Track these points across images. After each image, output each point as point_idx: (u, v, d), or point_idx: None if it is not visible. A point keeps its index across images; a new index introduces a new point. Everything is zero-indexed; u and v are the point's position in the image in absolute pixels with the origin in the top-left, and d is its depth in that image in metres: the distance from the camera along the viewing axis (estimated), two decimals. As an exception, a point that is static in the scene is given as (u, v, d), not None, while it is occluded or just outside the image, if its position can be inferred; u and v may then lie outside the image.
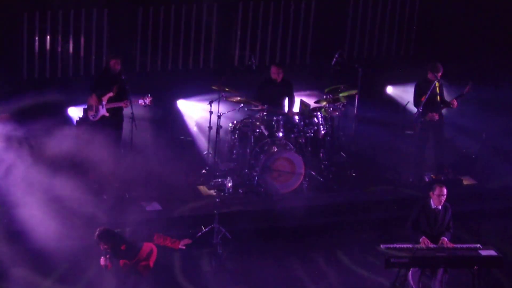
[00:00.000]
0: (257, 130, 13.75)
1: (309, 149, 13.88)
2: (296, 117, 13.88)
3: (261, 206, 13.30)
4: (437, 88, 13.80)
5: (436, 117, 13.81)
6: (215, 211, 12.37)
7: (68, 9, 14.90)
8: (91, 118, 13.53)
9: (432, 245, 11.16)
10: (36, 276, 11.57)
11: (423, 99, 13.64)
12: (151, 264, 10.79)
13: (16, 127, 13.28)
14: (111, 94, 13.40)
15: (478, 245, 11.18)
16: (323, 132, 13.89)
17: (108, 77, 13.54)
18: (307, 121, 13.84)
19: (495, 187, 14.10)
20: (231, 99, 13.98)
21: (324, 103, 14.05)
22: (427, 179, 13.88)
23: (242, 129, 13.84)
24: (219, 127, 13.88)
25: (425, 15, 16.67)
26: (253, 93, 14.21)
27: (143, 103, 13.49)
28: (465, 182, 14.16)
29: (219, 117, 13.82)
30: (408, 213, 11.64)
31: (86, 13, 15.01)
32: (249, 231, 12.74)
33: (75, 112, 14.47)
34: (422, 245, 11.13)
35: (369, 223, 13.21)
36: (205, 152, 14.49)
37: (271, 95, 14.04)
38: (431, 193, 11.40)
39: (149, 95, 13.49)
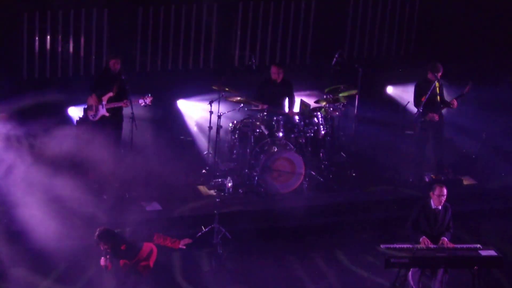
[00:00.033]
0: (257, 130, 13.75)
1: (309, 149, 13.88)
2: (296, 117, 13.88)
3: (261, 206, 13.30)
4: (437, 88, 13.80)
5: (436, 117, 13.81)
6: (215, 211, 12.37)
7: (68, 9, 14.90)
8: (91, 118, 13.53)
9: (432, 245, 11.15)
10: (36, 276, 11.56)
11: (423, 99, 13.63)
12: (151, 264, 10.79)
13: (16, 126, 13.28)
14: (111, 94, 13.41)
15: (478, 245, 11.18)
16: (323, 132, 13.89)
17: (108, 77, 13.54)
18: (307, 121, 13.84)
19: (495, 187, 14.10)
20: (231, 99, 13.98)
21: (324, 103, 14.05)
22: (427, 179, 13.88)
23: (242, 129, 13.84)
24: (219, 127, 13.88)
25: (425, 15, 16.67)
26: (253, 93, 14.21)
27: (143, 103, 13.49)
28: (465, 182, 14.16)
29: (219, 117, 13.82)
30: (408, 213, 11.64)
31: (86, 13, 15.01)
32: (249, 231, 12.74)
33: (75, 112, 14.46)
34: (422, 245, 11.12)
35: (369, 223, 13.21)
36: (205, 152, 14.49)
37: (271, 95, 14.04)
38: (431, 193, 11.40)
39: (149, 95, 13.49)
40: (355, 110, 14.46)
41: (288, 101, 14.28)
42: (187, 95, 15.25)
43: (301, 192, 13.60)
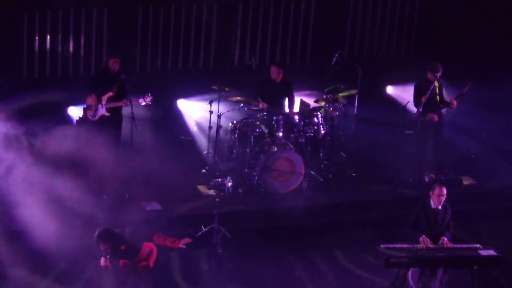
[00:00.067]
0: (257, 130, 13.75)
1: (309, 149, 13.88)
2: (296, 117, 13.88)
3: (261, 206, 13.30)
4: (437, 88, 13.80)
5: (436, 117, 13.80)
6: (215, 211, 12.37)
7: (68, 9, 14.91)
8: (90, 118, 13.53)
9: (432, 245, 11.15)
10: (36, 276, 11.55)
11: (423, 99, 13.63)
12: (151, 264, 10.79)
13: (16, 126, 13.27)
14: (110, 93, 13.40)
15: (478, 245, 11.18)
16: (323, 132, 13.89)
17: (108, 76, 13.53)
18: (307, 121, 13.83)
19: (495, 187, 14.09)
20: (231, 99, 13.98)
21: (323, 102, 14.05)
22: (427, 179, 13.88)
23: (242, 129, 13.84)
24: (219, 126, 13.89)
25: (425, 15, 16.67)
26: (253, 92, 14.20)
27: (143, 102, 13.48)
28: (465, 182, 14.16)
29: (219, 116, 13.83)
30: (408, 213, 11.64)
31: (86, 12, 15.01)
32: (249, 231, 12.74)
33: (75, 112, 14.46)
34: (422, 245, 11.12)
35: (369, 223, 13.20)
36: (205, 152, 14.49)
37: (271, 95, 14.04)
38: (431, 193, 11.40)
39: (149, 94, 13.48)
40: (355, 110, 14.45)
41: (288, 101, 14.28)
42: (187, 94, 15.25)
43: (301, 192, 13.60)
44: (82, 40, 15.11)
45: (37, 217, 12.15)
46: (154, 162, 13.84)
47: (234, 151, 13.98)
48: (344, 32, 16.43)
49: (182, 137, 15.16)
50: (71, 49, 15.09)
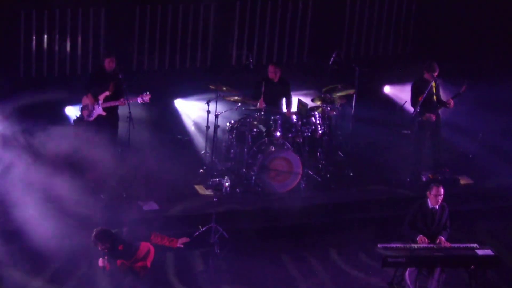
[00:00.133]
0: (255, 130, 13.76)
1: (307, 148, 13.88)
2: (294, 117, 13.88)
3: (259, 206, 13.29)
4: (434, 88, 13.81)
5: (433, 117, 13.82)
6: (212, 211, 12.36)
7: (65, 8, 14.88)
8: (85, 117, 13.51)
9: (429, 245, 11.16)
10: (33, 275, 11.55)
11: (421, 99, 13.63)
12: (149, 264, 10.78)
13: (13, 125, 13.26)
14: (107, 93, 13.39)
15: (475, 245, 11.19)
16: (320, 131, 13.89)
17: (104, 76, 13.51)
18: (304, 120, 13.83)
19: (492, 187, 14.10)
20: (229, 98, 13.98)
21: (319, 102, 14.06)
22: (424, 179, 13.88)
23: (239, 129, 13.84)
24: (216, 126, 13.88)
25: (422, 14, 16.67)
26: (250, 92, 14.21)
27: (141, 101, 13.45)
28: (462, 182, 14.17)
29: (216, 116, 13.82)
30: (405, 213, 11.65)
31: (83, 12, 15.00)
32: (247, 230, 12.74)
33: (72, 111, 14.45)
34: (419, 244, 11.13)
35: (367, 223, 13.21)
36: (202, 152, 14.50)
37: (269, 95, 14.03)
38: (428, 192, 11.41)
39: (147, 93, 13.44)
40: (353, 110, 14.46)
41: (286, 100, 14.28)
42: (184, 94, 15.25)
43: (299, 191, 13.60)
44: (80, 39, 15.09)
45: (35, 217, 12.14)
46: (152, 161, 13.84)
47: (232, 151, 13.98)
48: (341, 32, 16.44)
49: (179, 136, 15.16)
50: (68, 48, 15.08)
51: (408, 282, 11.26)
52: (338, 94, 14.26)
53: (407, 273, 11.26)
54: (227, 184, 13.43)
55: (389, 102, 15.84)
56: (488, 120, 15.32)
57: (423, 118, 13.75)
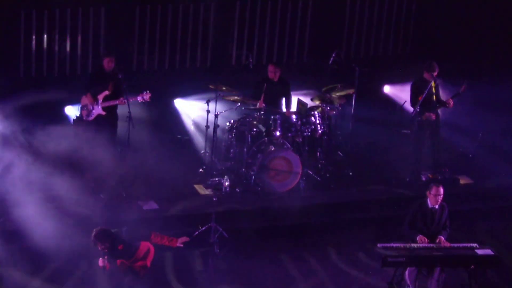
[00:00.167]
0: (254, 129, 13.76)
1: (306, 148, 13.88)
2: (294, 116, 13.88)
3: (258, 205, 13.29)
4: (433, 88, 13.81)
5: (433, 117, 13.82)
6: (212, 210, 12.36)
7: (65, 8, 14.89)
8: (84, 117, 13.51)
9: (429, 244, 11.16)
10: (33, 275, 11.55)
11: (420, 98, 13.64)
12: (148, 263, 10.78)
13: (13, 125, 13.26)
14: (106, 92, 13.39)
15: (475, 245, 11.19)
16: (320, 131, 13.89)
17: (103, 75, 13.51)
18: (304, 120, 13.83)
19: (492, 187, 14.10)
20: (228, 98, 13.99)
21: (319, 102, 14.07)
22: (424, 178, 13.89)
23: (239, 128, 13.84)
24: (216, 126, 13.88)
25: (422, 14, 16.67)
26: (250, 92, 14.21)
27: (142, 99, 13.44)
28: (462, 181, 14.17)
29: (216, 116, 13.82)
30: (405, 213, 11.65)
31: (83, 11, 15.00)
32: (246, 230, 12.74)
33: (72, 111, 14.46)
34: (419, 244, 11.13)
35: (367, 222, 13.21)
36: (202, 151, 14.50)
37: (268, 94, 14.03)
38: (427, 192, 11.41)
39: (147, 91, 13.43)
40: (352, 110, 14.46)
41: (285, 100, 14.29)
42: (184, 94, 15.25)
43: (298, 191, 13.60)
44: (79, 39, 15.09)
45: (34, 216, 12.14)
46: (151, 161, 13.85)
47: (231, 151, 13.98)
48: (341, 31, 16.44)
49: (179, 136, 15.17)
50: (68, 48, 15.08)
51: (408, 281, 11.26)
52: (337, 94, 14.27)
53: (406, 272, 11.25)
54: (226, 183, 13.44)
55: (389, 102, 15.84)
56: (488, 120, 15.32)
57: (422, 117, 13.76)
